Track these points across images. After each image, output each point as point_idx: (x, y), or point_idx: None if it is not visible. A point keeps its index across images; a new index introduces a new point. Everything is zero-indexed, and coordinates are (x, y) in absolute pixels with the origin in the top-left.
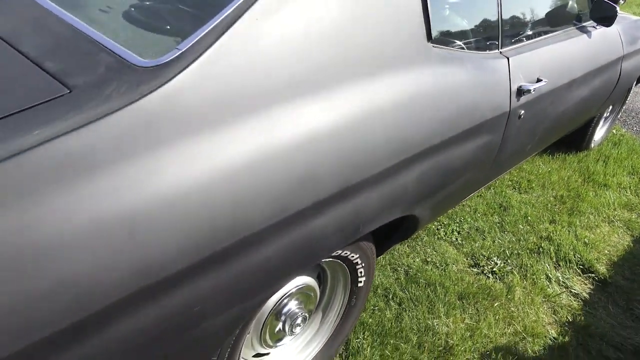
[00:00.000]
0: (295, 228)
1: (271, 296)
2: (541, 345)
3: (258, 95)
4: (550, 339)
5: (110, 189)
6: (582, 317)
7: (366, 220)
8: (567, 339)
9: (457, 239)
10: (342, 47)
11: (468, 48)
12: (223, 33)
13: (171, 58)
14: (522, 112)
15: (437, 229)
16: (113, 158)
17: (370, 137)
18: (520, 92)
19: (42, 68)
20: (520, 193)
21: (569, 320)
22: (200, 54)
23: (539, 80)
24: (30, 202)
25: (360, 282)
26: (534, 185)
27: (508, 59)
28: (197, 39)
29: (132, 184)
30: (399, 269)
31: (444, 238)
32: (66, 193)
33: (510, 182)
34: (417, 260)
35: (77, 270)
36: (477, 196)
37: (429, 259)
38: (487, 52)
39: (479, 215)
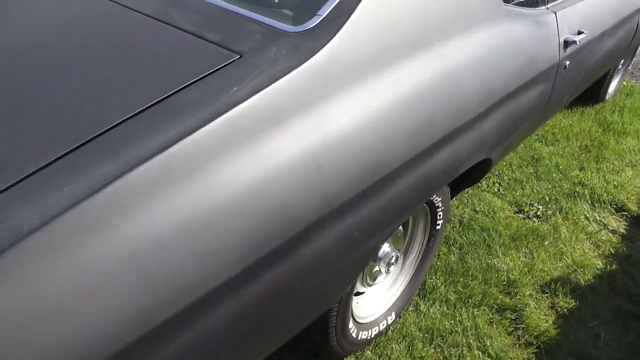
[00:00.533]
0: (418, 166)
1: (396, 229)
2: (591, 275)
3: (391, 49)
4: (598, 269)
5: (297, 131)
6: (623, 249)
7: (462, 161)
8: (613, 267)
9: (499, 190)
10: (444, 6)
11: (524, 5)
12: None
13: (316, 23)
14: (567, 62)
15: (480, 183)
16: (297, 107)
17: (466, 86)
18: (567, 43)
19: (206, 39)
20: (548, 145)
21: (611, 252)
22: (348, 17)
23: (580, 33)
24: (247, 144)
25: (438, 224)
26: (559, 137)
27: (555, 13)
28: (333, 5)
29: (314, 128)
30: (453, 218)
31: (487, 190)
32: (267, 138)
33: (537, 137)
34: (467, 210)
35: (285, 199)
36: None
37: (477, 209)
38: (537, 8)
39: (514, 167)
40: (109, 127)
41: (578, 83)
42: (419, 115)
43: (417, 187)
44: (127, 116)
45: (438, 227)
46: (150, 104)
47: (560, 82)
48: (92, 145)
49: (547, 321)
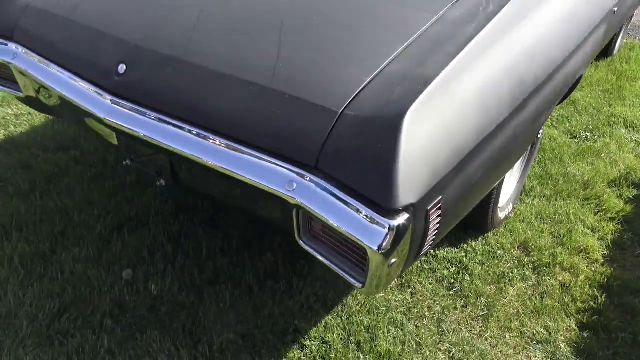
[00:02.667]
0: (566, 65)
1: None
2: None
3: None
4: None
5: (517, 32)
6: None
7: (578, 69)
8: None
9: (552, 124)
10: None
11: None
12: None
13: None
14: (616, 9)
15: None
16: (516, 19)
17: (581, 16)
18: None
19: None
20: (577, 92)
21: None
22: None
23: None
24: (499, 40)
25: (540, 133)
26: (584, 85)
27: None
28: None
29: (525, 32)
30: None
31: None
32: (513, 32)
33: None
34: None
35: (525, 71)
36: None
37: (539, 137)
38: None
39: (558, 107)
40: (428, 25)
41: (616, 26)
42: (564, 31)
43: (566, 78)
44: (431, 23)
45: (539, 136)
46: (436, 18)
47: (611, 24)
48: (427, 34)
49: (620, 204)
